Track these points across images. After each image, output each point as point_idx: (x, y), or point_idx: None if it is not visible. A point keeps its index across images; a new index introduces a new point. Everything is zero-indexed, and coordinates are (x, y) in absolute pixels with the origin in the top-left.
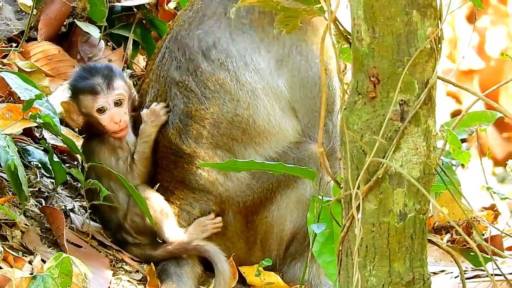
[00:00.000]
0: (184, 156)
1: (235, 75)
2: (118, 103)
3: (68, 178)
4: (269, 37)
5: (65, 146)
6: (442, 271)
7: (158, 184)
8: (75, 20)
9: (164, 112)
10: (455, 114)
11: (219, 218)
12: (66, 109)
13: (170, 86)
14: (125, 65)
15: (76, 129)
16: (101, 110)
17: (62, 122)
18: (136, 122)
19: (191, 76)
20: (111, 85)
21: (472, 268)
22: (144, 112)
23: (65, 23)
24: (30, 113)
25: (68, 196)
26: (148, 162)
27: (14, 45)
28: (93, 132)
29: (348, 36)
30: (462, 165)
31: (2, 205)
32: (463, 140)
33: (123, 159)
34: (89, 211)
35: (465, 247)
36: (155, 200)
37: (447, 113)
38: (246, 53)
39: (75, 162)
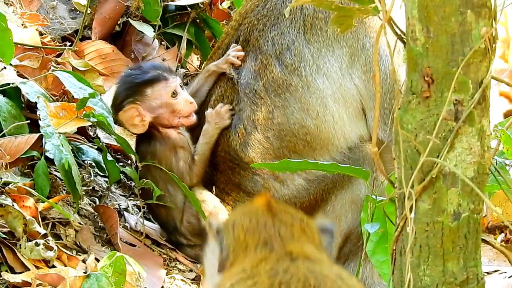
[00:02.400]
0: (242, 164)
1: (306, 81)
2: (181, 87)
3: (122, 177)
4: None
5: (119, 145)
6: (496, 271)
7: (214, 187)
8: (129, 19)
9: (229, 115)
10: (508, 114)
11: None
12: (129, 116)
13: (238, 89)
14: (179, 64)
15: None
16: (174, 94)
17: (116, 121)
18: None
19: (261, 81)
20: (171, 71)
21: None
22: (209, 112)
23: (119, 22)
24: (84, 112)
25: (122, 195)
26: (206, 164)
27: (68, 44)
28: (151, 133)
29: (403, 36)
30: None
31: (56, 203)
32: None
33: (184, 159)
34: (142, 210)
35: None
36: (210, 203)
37: (500, 113)
38: (320, 55)
39: (129, 161)
